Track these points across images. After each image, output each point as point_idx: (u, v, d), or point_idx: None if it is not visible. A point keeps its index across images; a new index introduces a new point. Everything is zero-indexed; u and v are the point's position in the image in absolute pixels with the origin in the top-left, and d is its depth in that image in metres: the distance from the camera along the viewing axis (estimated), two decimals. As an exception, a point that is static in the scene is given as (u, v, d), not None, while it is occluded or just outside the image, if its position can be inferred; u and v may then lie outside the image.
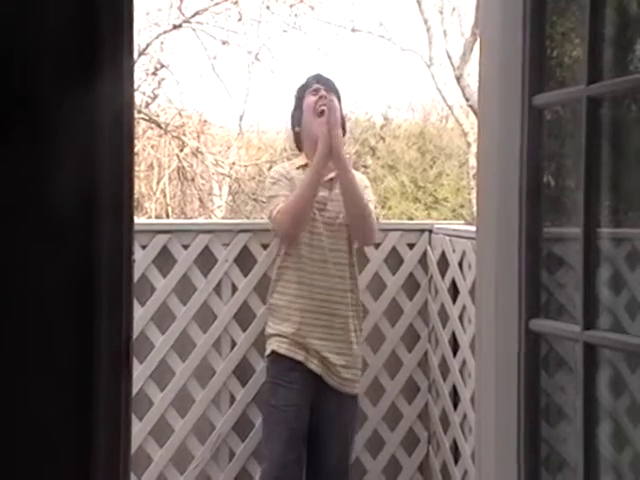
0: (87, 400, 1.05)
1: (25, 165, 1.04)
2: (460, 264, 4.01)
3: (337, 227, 3.84)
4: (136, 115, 9.75)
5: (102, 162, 1.06)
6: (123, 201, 1.09)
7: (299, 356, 3.76)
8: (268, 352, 3.85)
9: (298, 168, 3.91)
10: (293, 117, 4.02)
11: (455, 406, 4.05)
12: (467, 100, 12.01)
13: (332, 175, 3.85)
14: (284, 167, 4.01)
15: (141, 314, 3.94)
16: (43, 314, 1.04)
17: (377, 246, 4.25)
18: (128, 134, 1.10)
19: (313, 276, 3.79)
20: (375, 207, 4.03)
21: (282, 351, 3.78)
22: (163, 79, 11.07)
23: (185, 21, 11.03)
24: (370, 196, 3.92)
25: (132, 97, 1.15)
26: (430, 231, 4.36)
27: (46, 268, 1.04)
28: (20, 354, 1.03)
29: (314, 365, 3.77)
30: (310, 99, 3.91)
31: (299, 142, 4.01)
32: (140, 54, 10.57)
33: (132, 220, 1.13)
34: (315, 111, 3.87)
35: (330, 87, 3.96)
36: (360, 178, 3.98)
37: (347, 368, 3.83)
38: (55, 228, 1.04)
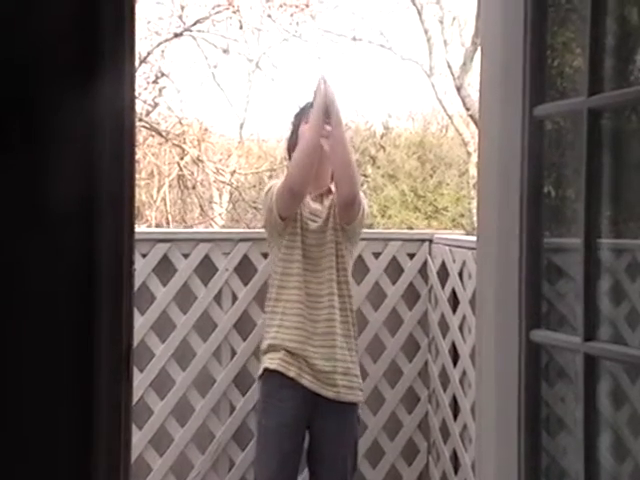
0: (87, 409, 1.05)
1: (24, 170, 1.03)
2: (460, 274, 4.01)
3: (326, 236, 3.79)
4: (137, 123, 9.76)
5: (102, 169, 1.06)
6: (124, 209, 1.09)
7: (291, 372, 3.67)
8: (260, 372, 3.79)
9: None
10: (289, 144, 3.93)
11: (455, 416, 4.05)
12: (467, 110, 12.03)
13: (323, 190, 3.84)
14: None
15: (141, 323, 3.94)
16: (42, 322, 1.04)
17: (377, 256, 4.25)
18: (129, 139, 1.10)
19: (304, 293, 3.74)
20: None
21: (273, 366, 3.70)
22: (164, 87, 11.09)
23: (186, 29, 11.05)
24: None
25: (133, 102, 1.15)
26: (430, 241, 4.36)
27: (45, 276, 1.04)
28: (18, 363, 1.03)
29: (307, 381, 3.68)
30: (306, 127, 3.80)
31: None
32: (141, 62, 10.59)
33: (133, 228, 1.13)
34: None
35: (327, 112, 3.78)
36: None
37: (341, 375, 3.73)
38: (54, 235, 1.04)
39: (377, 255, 4.25)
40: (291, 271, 3.73)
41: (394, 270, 4.30)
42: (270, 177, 11.87)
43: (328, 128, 3.72)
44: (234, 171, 11.41)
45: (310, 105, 3.85)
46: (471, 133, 12.18)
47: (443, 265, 4.18)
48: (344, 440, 3.74)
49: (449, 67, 12.59)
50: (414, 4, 12.85)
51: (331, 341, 3.73)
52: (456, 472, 4.05)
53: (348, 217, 3.78)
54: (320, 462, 3.74)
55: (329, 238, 3.77)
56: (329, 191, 3.88)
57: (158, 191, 11.42)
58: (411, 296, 4.33)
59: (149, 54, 10.83)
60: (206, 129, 11.47)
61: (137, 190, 10.57)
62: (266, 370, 3.73)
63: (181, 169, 11.14)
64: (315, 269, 3.75)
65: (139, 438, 3.94)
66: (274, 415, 3.67)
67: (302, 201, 3.76)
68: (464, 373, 3.93)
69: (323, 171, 3.82)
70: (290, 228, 3.75)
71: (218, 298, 4.11)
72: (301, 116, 3.89)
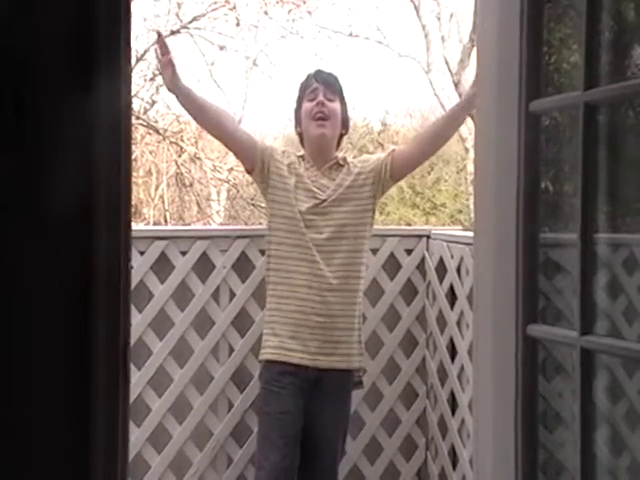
0: (84, 407, 1.05)
1: (20, 168, 1.04)
2: (458, 270, 4.01)
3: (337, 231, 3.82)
4: (134, 121, 9.76)
5: (99, 167, 1.07)
6: (121, 207, 1.09)
7: (293, 359, 3.71)
8: (261, 359, 3.82)
9: (298, 157, 3.91)
10: (295, 117, 4.00)
11: (453, 412, 4.05)
12: (465, 106, 11.99)
13: (332, 163, 3.88)
14: (291, 152, 3.99)
15: (139, 320, 3.94)
16: (40, 320, 1.04)
17: (375, 252, 4.25)
18: (126, 137, 1.10)
19: (295, 275, 3.76)
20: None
21: (274, 357, 3.75)
22: (161, 85, 11.06)
23: (183, 27, 11.04)
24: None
25: (130, 100, 1.15)
26: (428, 237, 4.36)
27: (43, 274, 1.04)
28: (16, 361, 1.03)
29: (307, 360, 3.71)
30: (307, 106, 3.88)
31: (302, 142, 3.97)
32: (138, 60, 10.58)
33: (130, 226, 1.13)
34: (312, 118, 3.86)
35: (329, 85, 3.90)
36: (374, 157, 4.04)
37: (338, 343, 3.75)
38: (52, 234, 1.04)
39: (375, 251, 4.25)
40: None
41: (392, 266, 4.30)
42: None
43: (320, 98, 3.83)
44: (232, 168, 11.40)
45: (312, 76, 3.91)
46: (469, 129, 12.18)
47: (441, 261, 4.18)
48: (336, 424, 3.79)
49: (447, 63, 12.59)
50: (411, 0, 12.84)
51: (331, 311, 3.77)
52: (454, 467, 4.05)
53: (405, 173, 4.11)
54: (310, 437, 3.75)
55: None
56: (338, 164, 3.90)
57: (156, 189, 11.42)
58: (409, 292, 4.33)
59: (146, 52, 10.81)
60: (203, 127, 11.44)
61: (135, 188, 10.57)
62: (267, 360, 3.77)
63: (179, 167, 11.14)
64: (310, 272, 3.79)
65: (137, 435, 3.94)
66: (274, 402, 3.70)
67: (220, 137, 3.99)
68: (462, 369, 3.93)
69: (328, 144, 3.88)
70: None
71: (216, 295, 4.11)
72: (305, 88, 3.92)
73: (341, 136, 3.97)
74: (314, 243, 3.76)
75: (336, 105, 3.88)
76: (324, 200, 3.81)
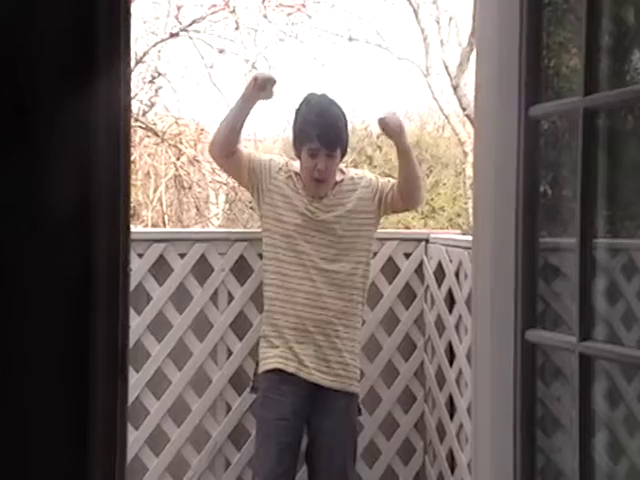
0: (82, 409, 1.05)
1: (18, 171, 1.03)
2: (456, 274, 4.01)
3: (334, 238, 3.82)
4: (133, 123, 9.76)
5: (98, 169, 1.06)
6: (119, 209, 1.09)
7: (290, 368, 3.72)
8: (259, 371, 3.82)
9: (294, 175, 3.87)
10: (294, 144, 3.94)
11: (451, 416, 4.05)
12: (464, 110, 12.02)
13: (323, 192, 3.84)
14: (287, 162, 3.97)
15: (137, 323, 3.94)
16: (38, 322, 1.04)
17: (373, 255, 4.25)
18: (125, 140, 1.10)
19: (295, 293, 3.76)
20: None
21: (272, 366, 3.74)
22: (160, 87, 11.06)
23: (182, 29, 11.03)
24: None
25: (129, 103, 1.15)
26: (427, 241, 4.36)
27: (41, 277, 1.04)
28: (13, 363, 1.03)
29: (305, 373, 3.72)
30: (308, 162, 3.81)
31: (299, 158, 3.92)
32: (137, 62, 10.57)
33: (129, 228, 1.13)
34: (311, 176, 3.81)
35: (331, 145, 3.79)
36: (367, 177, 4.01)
37: (339, 364, 3.76)
38: (50, 236, 1.04)
39: (373, 255, 4.25)
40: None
41: (390, 270, 4.30)
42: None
43: (321, 166, 3.77)
44: (230, 172, 11.38)
45: (314, 127, 3.81)
46: (468, 133, 12.18)
47: (439, 265, 4.18)
48: (341, 435, 3.76)
49: (445, 67, 12.59)
50: (410, 4, 12.84)
51: (332, 331, 3.78)
52: (452, 472, 4.05)
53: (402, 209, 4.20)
54: (318, 457, 3.75)
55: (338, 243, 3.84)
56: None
57: (154, 191, 11.41)
58: (407, 296, 4.33)
59: (145, 54, 10.80)
60: (202, 129, 11.44)
61: (133, 190, 10.57)
62: (265, 370, 3.77)
63: (177, 169, 11.13)
64: (308, 277, 3.80)
65: (135, 438, 3.94)
66: (273, 409, 3.70)
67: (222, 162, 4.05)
68: (460, 373, 3.93)
69: (326, 187, 3.86)
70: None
71: (214, 298, 4.11)
72: (303, 140, 3.85)
73: (341, 157, 3.92)
74: (313, 264, 3.77)
75: (336, 160, 3.83)
76: (321, 220, 3.81)
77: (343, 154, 3.89)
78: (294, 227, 3.77)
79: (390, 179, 4.03)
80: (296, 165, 3.93)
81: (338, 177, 3.89)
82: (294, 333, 3.74)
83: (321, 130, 3.78)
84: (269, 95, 3.82)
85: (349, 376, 3.80)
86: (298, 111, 3.92)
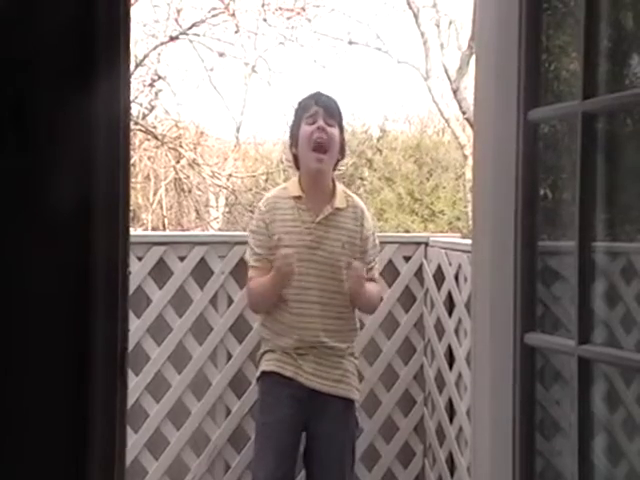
0: (82, 412, 1.05)
1: (19, 173, 1.04)
2: (456, 277, 4.01)
3: (331, 267, 3.77)
4: (133, 126, 9.76)
5: (98, 171, 1.07)
6: (119, 212, 1.09)
7: (288, 372, 3.72)
8: (258, 374, 3.82)
9: (291, 198, 3.79)
10: (291, 136, 3.89)
11: (451, 419, 4.05)
12: (464, 113, 12.03)
13: (327, 213, 3.78)
14: (276, 197, 3.86)
15: (137, 326, 3.94)
16: (38, 325, 1.04)
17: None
18: (125, 142, 1.10)
19: (297, 318, 3.74)
20: (373, 219, 4.02)
21: (270, 368, 3.74)
22: (160, 90, 11.08)
23: (182, 33, 11.03)
24: (371, 225, 3.91)
25: (129, 106, 1.15)
26: (426, 244, 4.36)
27: (40, 279, 1.04)
28: (14, 366, 1.03)
29: (304, 378, 3.71)
30: (306, 129, 3.76)
31: (296, 161, 3.86)
32: (137, 65, 10.57)
33: (128, 231, 1.13)
34: (310, 143, 3.75)
35: (329, 110, 3.79)
36: (361, 208, 3.90)
37: (337, 370, 3.76)
38: (50, 239, 1.04)
39: (373, 258, 4.25)
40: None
41: (390, 273, 4.30)
42: (266, 180, 11.88)
43: (320, 123, 3.74)
44: (230, 174, 11.40)
45: (311, 98, 3.81)
46: (467, 136, 12.18)
47: (439, 268, 4.18)
48: (340, 440, 3.75)
49: (445, 70, 12.60)
50: (410, 7, 12.85)
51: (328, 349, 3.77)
52: (452, 475, 4.04)
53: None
54: (316, 462, 3.75)
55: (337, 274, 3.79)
56: (337, 209, 3.83)
57: (154, 194, 11.41)
58: (407, 299, 4.33)
59: (145, 57, 10.81)
60: (202, 132, 11.45)
61: (133, 193, 10.57)
62: (263, 371, 3.77)
63: (177, 172, 11.13)
64: (309, 300, 3.77)
65: (135, 441, 3.94)
66: (271, 412, 3.70)
67: None
68: (460, 376, 3.93)
69: (325, 177, 3.82)
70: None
71: (214, 301, 4.11)
72: (303, 111, 3.83)
73: (337, 161, 3.88)
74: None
75: (335, 131, 3.79)
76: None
77: (342, 153, 3.89)
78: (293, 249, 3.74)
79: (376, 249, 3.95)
80: (291, 189, 3.86)
81: (342, 204, 3.83)
82: (292, 343, 3.74)
83: (318, 98, 3.83)
84: (292, 272, 3.75)
85: (348, 382, 3.79)
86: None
